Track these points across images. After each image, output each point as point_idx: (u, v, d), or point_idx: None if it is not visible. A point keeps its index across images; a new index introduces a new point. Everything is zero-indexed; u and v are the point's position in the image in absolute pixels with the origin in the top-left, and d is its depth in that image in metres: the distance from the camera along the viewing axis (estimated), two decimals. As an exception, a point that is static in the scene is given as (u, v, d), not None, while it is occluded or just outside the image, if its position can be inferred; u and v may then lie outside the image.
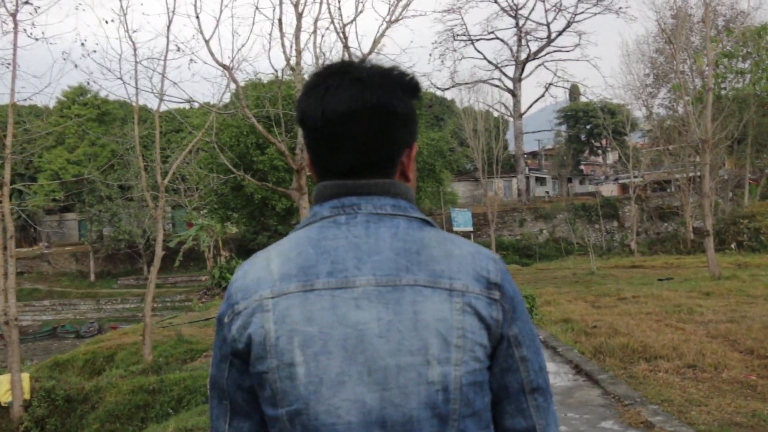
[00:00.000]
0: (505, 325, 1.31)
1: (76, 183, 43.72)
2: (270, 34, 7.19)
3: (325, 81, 1.32)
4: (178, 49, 8.69)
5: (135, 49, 9.44)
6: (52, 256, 47.25)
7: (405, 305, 1.24)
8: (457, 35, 49.29)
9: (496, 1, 48.76)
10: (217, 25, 7.09)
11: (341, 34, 6.98)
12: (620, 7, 49.27)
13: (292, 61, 7.13)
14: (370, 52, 7.30)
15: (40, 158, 46.42)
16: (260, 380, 1.27)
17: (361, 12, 7.02)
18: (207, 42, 7.31)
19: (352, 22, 7.09)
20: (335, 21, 7.22)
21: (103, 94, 45.79)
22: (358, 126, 1.29)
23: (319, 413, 1.22)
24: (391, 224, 1.31)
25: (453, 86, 49.32)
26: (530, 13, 60.64)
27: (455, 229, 40.26)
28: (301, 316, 1.23)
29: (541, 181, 58.05)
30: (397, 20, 7.34)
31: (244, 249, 41.11)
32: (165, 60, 9.26)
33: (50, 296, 42.47)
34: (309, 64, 7.81)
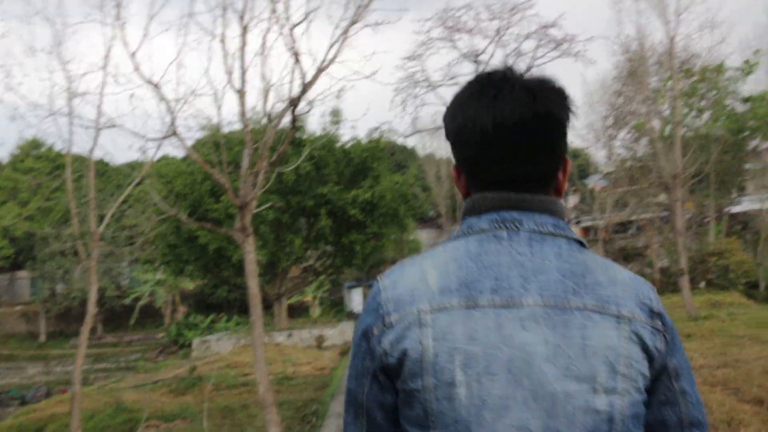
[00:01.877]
0: (667, 356, 1.28)
1: (27, 239, 42.09)
2: (209, 48, 6.39)
3: (492, 87, 1.31)
4: (116, 81, 7.74)
5: (70, 82, 8.43)
6: (0, 317, 45.15)
7: (573, 329, 1.21)
8: (418, 82, 48.96)
9: (456, 48, 48.65)
10: (144, 36, 6.21)
11: (290, 38, 6.08)
12: (578, 51, 49.54)
13: (236, 83, 6.29)
14: (324, 64, 6.41)
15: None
16: (410, 398, 1.23)
17: (313, 12, 6.19)
18: (133, 55, 6.40)
19: (301, 23, 6.23)
20: (284, 27, 6.28)
21: (30, 131, 44.22)
22: (529, 135, 1.28)
23: None
24: (554, 244, 1.28)
25: (415, 132, 48.93)
26: (490, 58, 60.90)
27: (420, 276, 39.47)
28: (464, 334, 1.20)
29: (504, 226, 57.72)
30: (355, 22, 6.49)
31: (203, 304, 39.90)
32: (101, 93, 8.22)
33: (-5, 360, 40.34)
34: (255, 87, 6.86)
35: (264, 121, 7.81)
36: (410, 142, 53.37)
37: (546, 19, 45.38)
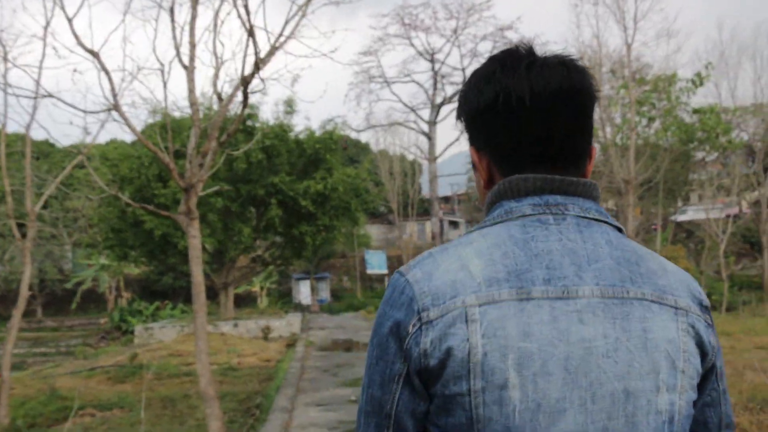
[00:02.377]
0: (717, 354, 1.22)
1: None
2: (156, 19, 5.93)
3: (524, 58, 1.22)
4: (57, 54, 7.28)
5: (5, 51, 8.01)
6: (-65, 298, 43.67)
7: (634, 321, 1.12)
8: (373, 77, 48.88)
9: (412, 45, 48.75)
10: (84, 1, 5.84)
11: (244, 10, 5.78)
12: (534, 55, 49.92)
13: (185, 58, 5.98)
14: (280, 41, 6.14)
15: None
16: (449, 404, 1.10)
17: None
18: (70, 21, 6.04)
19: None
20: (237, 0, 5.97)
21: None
22: (567, 107, 1.19)
23: None
24: (602, 231, 1.19)
25: (368, 128, 48.93)
26: (446, 57, 61.40)
27: (369, 271, 39.54)
28: (517, 329, 1.08)
29: (454, 224, 57.98)
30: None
31: (149, 291, 39.25)
32: (41, 66, 7.82)
33: (-72, 342, 38.96)
34: (206, 64, 6.53)
35: (214, 102, 7.51)
36: (364, 137, 53.19)
37: (503, 21, 45.85)
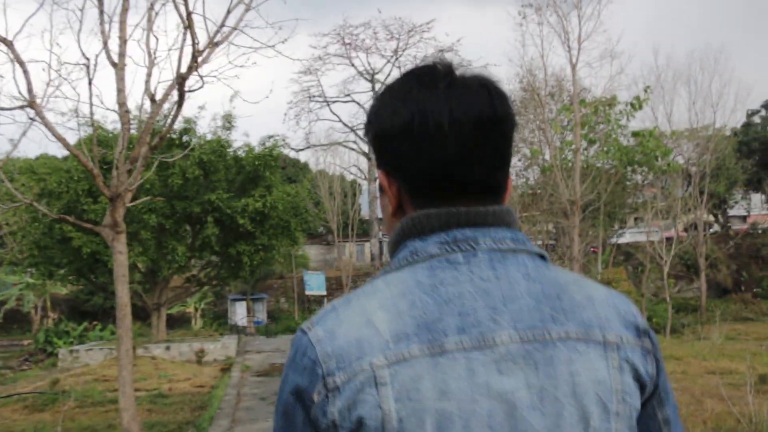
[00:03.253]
0: (657, 380, 1.11)
1: None
2: (82, 10, 5.23)
3: (443, 78, 1.11)
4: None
5: None
6: None
7: (560, 366, 1.02)
8: (313, 96, 48.59)
9: (352, 65, 48.77)
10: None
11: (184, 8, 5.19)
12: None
13: (114, 56, 5.38)
14: (221, 36, 5.58)
15: None
16: None
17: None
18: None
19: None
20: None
21: None
22: (487, 135, 1.10)
23: None
24: (518, 262, 1.08)
25: (308, 147, 48.49)
26: (387, 78, 61.69)
27: (308, 292, 38.90)
28: (433, 389, 0.98)
29: (394, 245, 57.90)
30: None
31: (78, 311, 37.85)
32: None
33: None
34: (140, 65, 5.90)
35: (147, 106, 6.88)
36: (303, 157, 52.67)
37: (444, 43, 46.09)
